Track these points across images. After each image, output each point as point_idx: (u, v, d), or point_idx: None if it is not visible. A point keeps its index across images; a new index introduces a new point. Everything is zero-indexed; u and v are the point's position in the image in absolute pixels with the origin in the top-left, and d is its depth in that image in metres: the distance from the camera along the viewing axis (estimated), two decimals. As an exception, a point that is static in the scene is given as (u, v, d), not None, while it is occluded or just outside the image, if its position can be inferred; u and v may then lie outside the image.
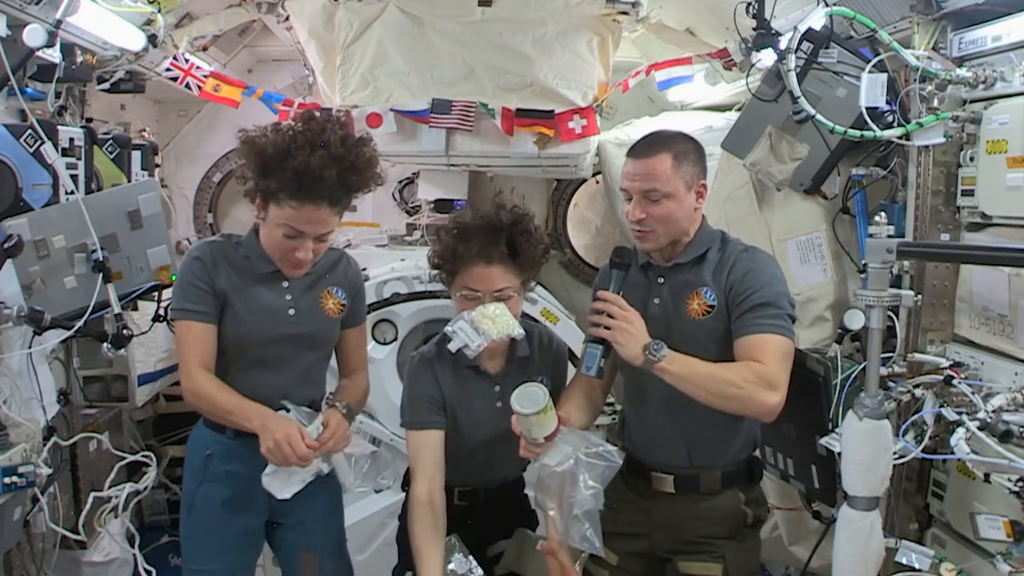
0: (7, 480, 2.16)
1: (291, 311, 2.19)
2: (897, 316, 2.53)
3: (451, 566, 2.06)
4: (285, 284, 2.20)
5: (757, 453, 2.28)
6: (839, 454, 2.19)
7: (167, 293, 2.76)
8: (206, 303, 2.13)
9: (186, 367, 2.13)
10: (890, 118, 2.59)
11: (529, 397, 1.96)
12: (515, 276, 2.15)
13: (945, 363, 2.42)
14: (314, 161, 2.00)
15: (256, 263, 2.19)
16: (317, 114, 2.14)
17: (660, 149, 2.09)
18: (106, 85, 3.10)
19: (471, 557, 2.09)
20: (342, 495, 2.42)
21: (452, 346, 2.09)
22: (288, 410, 2.16)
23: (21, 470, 2.20)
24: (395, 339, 3.61)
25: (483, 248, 2.12)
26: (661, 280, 2.16)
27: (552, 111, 3.58)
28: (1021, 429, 1.99)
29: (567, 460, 1.96)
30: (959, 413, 2.18)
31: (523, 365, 2.25)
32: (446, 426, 2.20)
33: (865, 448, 2.07)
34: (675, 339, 2.04)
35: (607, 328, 1.99)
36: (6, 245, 2.26)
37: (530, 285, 2.25)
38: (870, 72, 2.56)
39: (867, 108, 2.57)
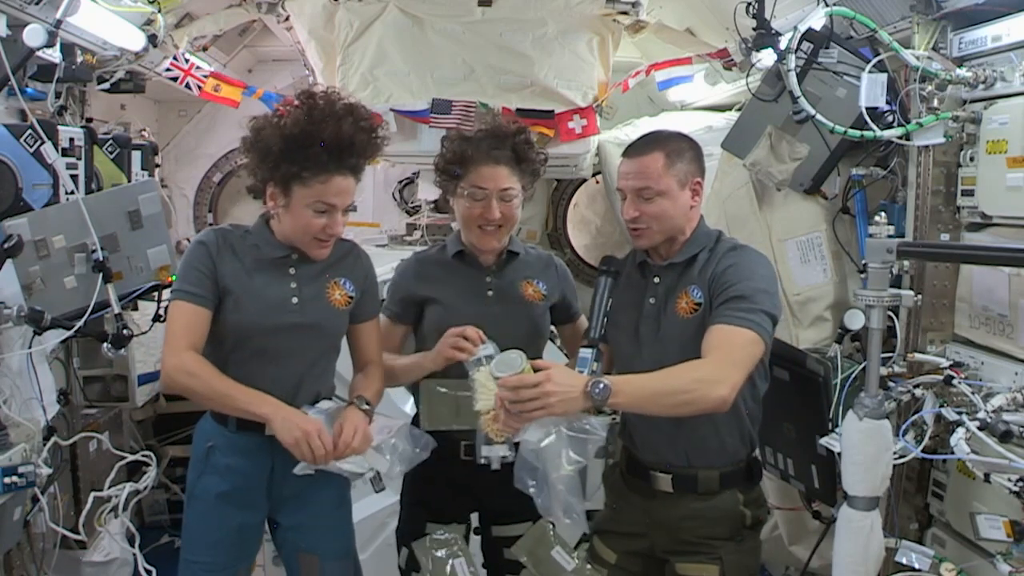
0: (7, 480, 2.16)
1: (294, 300, 2.17)
2: (897, 316, 2.53)
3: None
4: (292, 271, 2.19)
5: (757, 455, 2.27)
6: (839, 454, 2.19)
7: (167, 293, 2.76)
8: (204, 288, 2.10)
9: (174, 346, 2.07)
10: (890, 118, 2.58)
11: (507, 362, 1.97)
12: (518, 179, 2.30)
13: (945, 363, 2.42)
14: (345, 129, 2.05)
15: (266, 249, 2.17)
16: (315, 89, 2.14)
17: (653, 148, 2.11)
18: (106, 85, 3.10)
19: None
20: (349, 494, 2.37)
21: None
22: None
23: (21, 470, 2.20)
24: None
25: (491, 151, 2.26)
26: (657, 279, 2.17)
27: (552, 111, 3.58)
28: (1021, 429, 1.99)
29: (548, 436, 1.96)
30: (959, 413, 2.18)
31: (517, 262, 2.39)
32: (410, 321, 2.39)
33: (865, 448, 2.07)
34: (663, 337, 2.07)
35: (539, 410, 1.84)
36: (6, 245, 2.26)
37: (528, 193, 2.40)
38: (870, 72, 2.56)
39: (867, 108, 2.57)
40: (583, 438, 1.99)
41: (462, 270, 2.36)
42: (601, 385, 1.82)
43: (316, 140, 2.03)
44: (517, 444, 2.03)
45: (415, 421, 2.36)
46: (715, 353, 1.93)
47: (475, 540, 2.43)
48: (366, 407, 2.18)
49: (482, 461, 2.11)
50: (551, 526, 2.26)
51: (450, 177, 2.31)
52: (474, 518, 2.45)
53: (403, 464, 2.18)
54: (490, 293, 2.33)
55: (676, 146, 2.12)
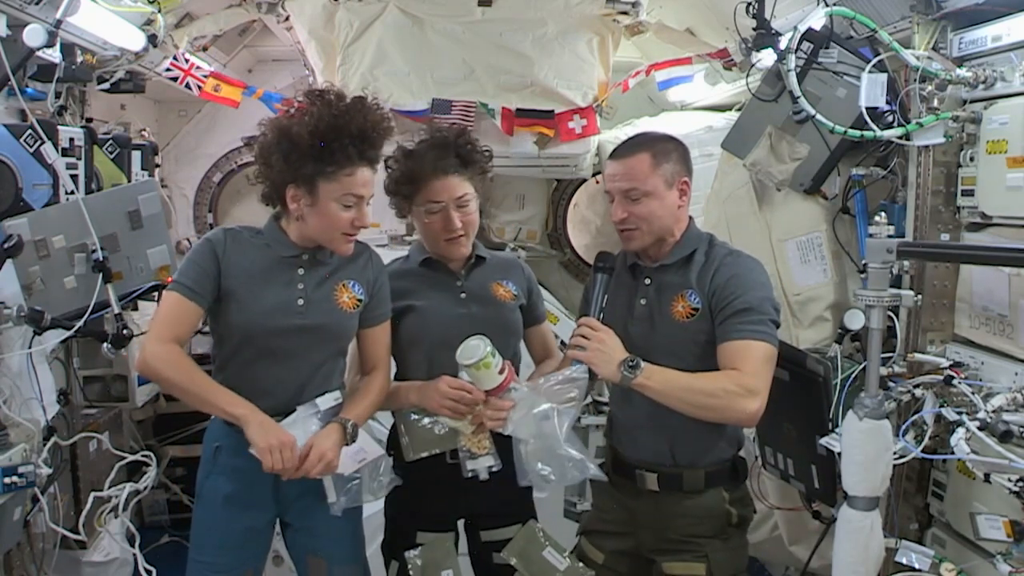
0: (7, 480, 2.16)
1: (300, 301, 2.16)
2: (897, 316, 2.54)
3: None
4: (300, 272, 2.18)
5: (743, 454, 2.28)
6: (839, 454, 2.19)
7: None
8: (201, 285, 2.10)
9: (158, 333, 2.05)
10: (890, 118, 2.59)
11: (470, 349, 2.04)
12: (470, 183, 2.27)
13: (945, 363, 2.42)
14: (371, 119, 2.07)
15: (277, 248, 2.17)
16: (317, 89, 2.16)
17: (639, 149, 2.13)
18: (106, 85, 3.09)
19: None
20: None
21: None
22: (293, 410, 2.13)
23: (21, 470, 2.20)
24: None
25: (436, 163, 2.24)
26: (648, 281, 2.18)
27: (552, 111, 3.58)
28: (1021, 429, 1.98)
29: (535, 407, 2.02)
30: (959, 413, 2.17)
31: (485, 266, 2.38)
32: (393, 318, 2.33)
33: (865, 448, 2.07)
34: (659, 340, 2.07)
35: (582, 349, 2.02)
36: (6, 245, 2.26)
37: (483, 192, 2.35)
38: (870, 72, 2.56)
39: (867, 108, 2.57)
40: (567, 388, 2.04)
41: (432, 276, 2.34)
42: (634, 362, 1.95)
43: (345, 133, 2.03)
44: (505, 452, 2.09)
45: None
46: (742, 367, 1.96)
47: (463, 544, 2.43)
48: (349, 430, 2.14)
49: (469, 475, 2.14)
50: (540, 526, 2.27)
51: (402, 198, 2.30)
52: (460, 526, 2.43)
53: (349, 501, 2.17)
54: (463, 296, 2.32)
55: (662, 147, 2.14)
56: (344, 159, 2.05)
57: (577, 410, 2.04)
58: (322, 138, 2.03)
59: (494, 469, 2.15)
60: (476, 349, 2.03)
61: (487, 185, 2.38)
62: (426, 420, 2.21)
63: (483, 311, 2.30)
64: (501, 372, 2.07)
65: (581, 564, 2.21)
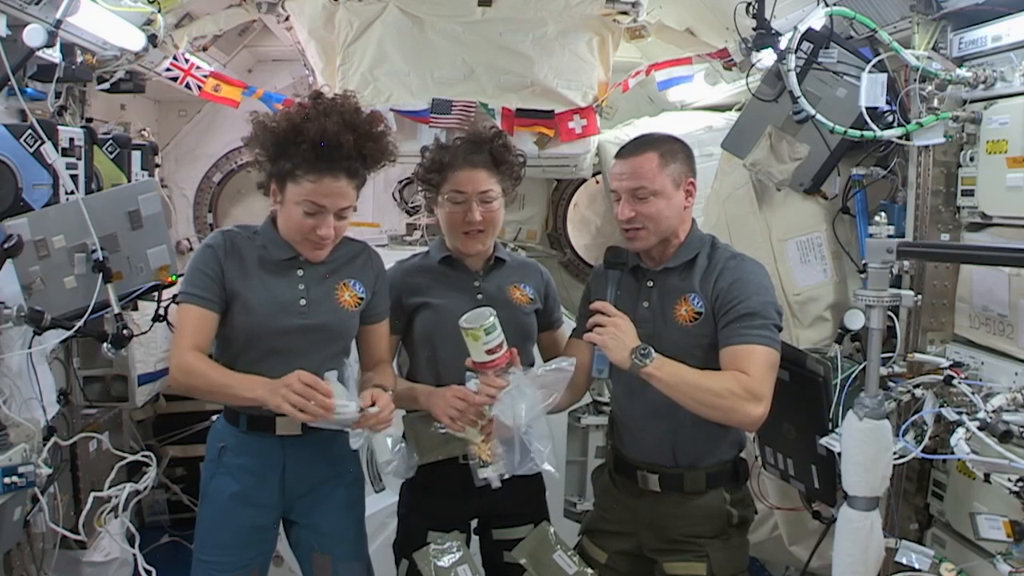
0: (7, 480, 2.16)
1: (302, 301, 2.16)
2: (897, 316, 2.54)
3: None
4: (300, 273, 2.18)
5: (744, 455, 2.29)
6: (839, 454, 2.19)
7: (167, 293, 2.77)
8: (209, 290, 2.11)
9: (178, 347, 2.10)
10: (890, 118, 2.59)
11: (477, 315, 2.05)
12: (497, 181, 2.29)
13: (945, 363, 2.42)
14: (329, 126, 2.03)
15: (272, 250, 2.17)
16: (326, 90, 2.15)
17: (647, 148, 2.13)
18: (106, 85, 3.10)
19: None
20: (363, 495, 2.39)
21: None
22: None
23: (21, 470, 2.20)
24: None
25: (467, 156, 2.26)
26: (651, 284, 2.18)
27: (552, 111, 3.59)
28: (1021, 429, 1.99)
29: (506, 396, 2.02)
30: (959, 413, 2.18)
31: (504, 268, 2.38)
32: (400, 332, 2.36)
33: (865, 448, 2.07)
34: (662, 344, 2.07)
35: (597, 334, 2.02)
36: (6, 245, 2.26)
37: (509, 196, 2.36)
38: (870, 72, 2.57)
39: (867, 108, 2.57)
40: (550, 377, 2.05)
41: (450, 274, 2.34)
42: (646, 350, 1.95)
43: (300, 138, 2.03)
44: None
45: None
46: (749, 371, 1.97)
47: (474, 543, 2.43)
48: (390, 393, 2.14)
49: (481, 483, 2.13)
50: (552, 529, 2.26)
51: (430, 186, 2.32)
52: (472, 523, 2.44)
53: (400, 468, 2.15)
54: (479, 297, 2.31)
55: (669, 147, 2.14)
56: (305, 163, 2.04)
57: (556, 399, 2.05)
58: (282, 137, 2.04)
59: (506, 476, 2.13)
60: (479, 316, 2.03)
61: (513, 190, 2.39)
62: (434, 425, 2.21)
63: (498, 313, 2.30)
64: (495, 350, 2.05)
65: (590, 570, 2.21)
